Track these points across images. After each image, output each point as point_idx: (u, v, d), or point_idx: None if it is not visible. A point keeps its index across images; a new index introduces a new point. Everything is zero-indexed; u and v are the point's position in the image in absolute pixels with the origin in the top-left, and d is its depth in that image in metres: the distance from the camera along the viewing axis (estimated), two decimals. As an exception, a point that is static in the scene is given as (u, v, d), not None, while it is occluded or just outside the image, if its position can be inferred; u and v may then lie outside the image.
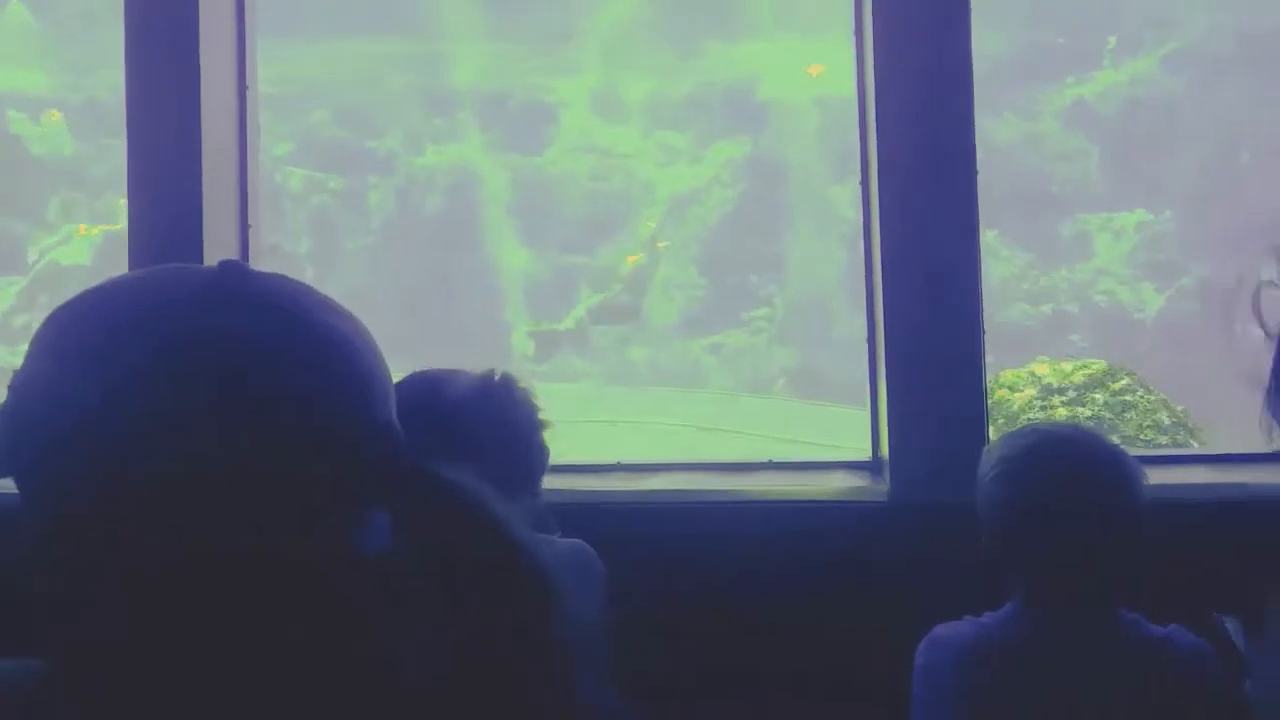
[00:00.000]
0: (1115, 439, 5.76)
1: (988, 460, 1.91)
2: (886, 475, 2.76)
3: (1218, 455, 3.08)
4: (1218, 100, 14.37)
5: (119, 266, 2.37)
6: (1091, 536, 1.76)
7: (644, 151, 15.68)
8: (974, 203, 2.83)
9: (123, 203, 3.06)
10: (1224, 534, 2.63)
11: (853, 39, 3.05)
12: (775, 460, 2.98)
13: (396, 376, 0.71)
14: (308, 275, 14.62)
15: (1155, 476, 2.01)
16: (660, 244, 14.25)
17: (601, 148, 15.76)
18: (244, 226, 3.08)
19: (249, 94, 3.12)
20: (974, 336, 2.77)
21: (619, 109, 15.94)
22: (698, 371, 14.15)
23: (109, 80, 15.44)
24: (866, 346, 2.94)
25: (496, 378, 2.03)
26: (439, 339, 13.56)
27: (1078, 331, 13.57)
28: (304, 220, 14.41)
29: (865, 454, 3.08)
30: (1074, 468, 1.79)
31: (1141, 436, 5.93)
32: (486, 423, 1.90)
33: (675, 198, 15.23)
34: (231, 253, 3.08)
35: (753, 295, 14.65)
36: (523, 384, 2.07)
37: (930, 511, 2.65)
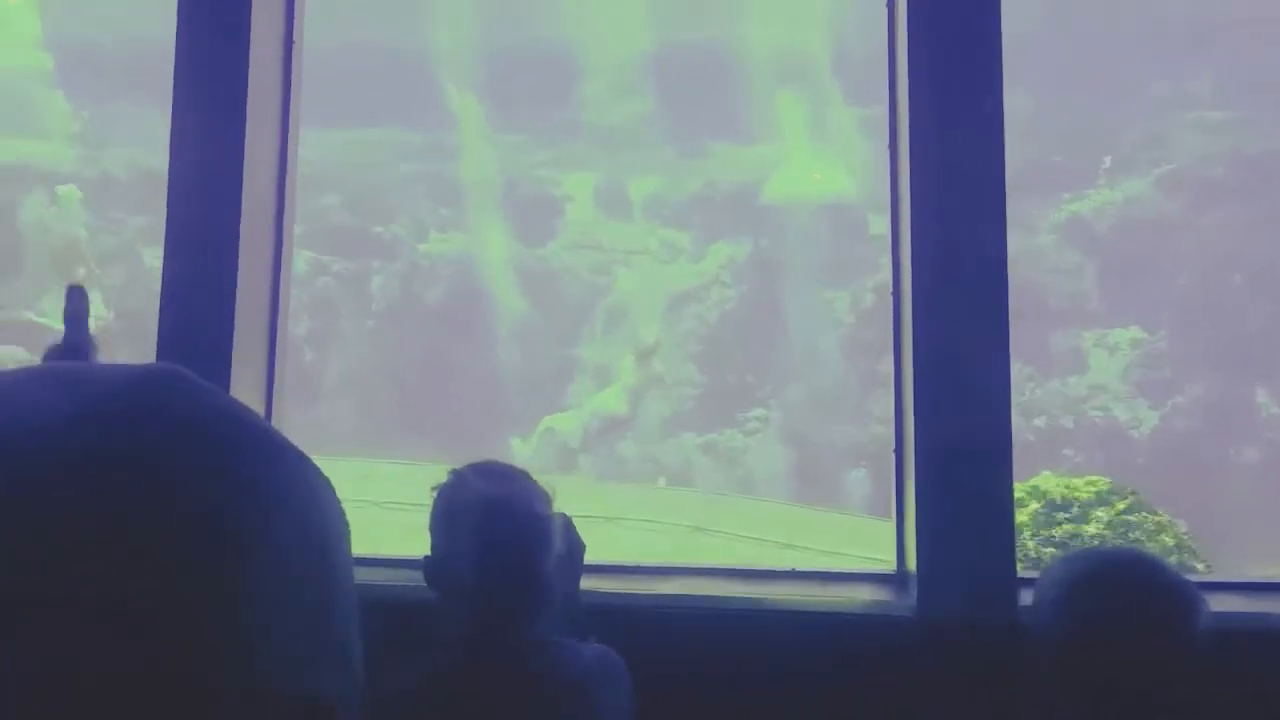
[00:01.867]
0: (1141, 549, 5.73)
1: (1047, 583, 1.88)
2: (913, 589, 2.71)
3: (1243, 583, 3.04)
4: (1210, 222, 14.67)
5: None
6: (1151, 668, 1.73)
7: (647, 248, 15.87)
8: (1005, 316, 2.85)
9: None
10: (1254, 665, 2.59)
11: (888, 153, 3.11)
12: (798, 569, 2.93)
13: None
14: (305, 358, 14.68)
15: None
16: (658, 341, 14.31)
17: (604, 243, 15.95)
18: (274, 313, 3.09)
19: (289, 180, 3.16)
20: (1004, 452, 2.76)
21: (623, 205, 16.19)
22: (689, 470, 14.09)
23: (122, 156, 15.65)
24: (894, 458, 2.92)
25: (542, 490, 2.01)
26: (433, 426, 13.51)
27: (1071, 446, 13.59)
28: (305, 301, 14.47)
29: (883, 566, 3.04)
30: (1139, 596, 1.76)
31: (1146, 556, 5.88)
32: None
33: (676, 295, 15.36)
34: (260, 338, 3.08)
35: (749, 395, 14.67)
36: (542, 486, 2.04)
37: (958, 628, 2.60)
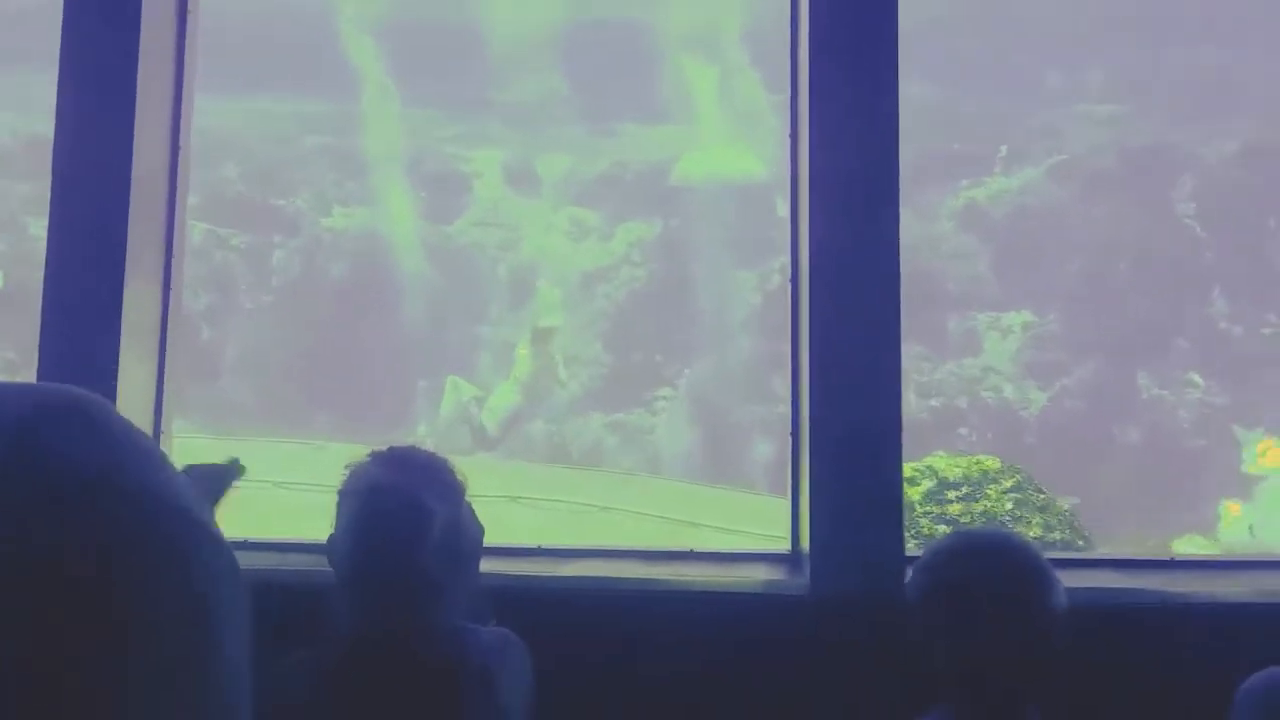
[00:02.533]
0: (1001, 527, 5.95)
1: (917, 565, 1.97)
2: (806, 568, 2.79)
3: (1118, 560, 3.21)
4: (1098, 211, 15.22)
5: None
6: (1011, 642, 1.83)
7: (555, 226, 15.80)
8: (897, 301, 2.94)
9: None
10: (1125, 640, 2.73)
11: (788, 142, 3.17)
12: (695, 550, 2.99)
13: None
14: (203, 334, 14.27)
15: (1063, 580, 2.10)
16: (554, 327, 14.27)
17: (512, 221, 15.82)
18: (166, 287, 3.01)
19: (181, 153, 3.07)
20: (894, 434, 2.85)
21: (532, 182, 16.07)
22: (597, 450, 14.13)
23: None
24: (790, 441, 3.00)
25: (431, 456, 2.03)
26: (336, 405, 13.28)
27: (965, 426, 14.01)
28: (204, 275, 14.05)
29: (779, 544, 3.12)
30: (998, 574, 1.86)
31: (1030, 534, 6.13)
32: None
33: (584, 274, 15.34)
34: (151, 304, 2.99)
35: (656, 375, 14.76)
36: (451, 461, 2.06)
37: (850, 605, 2.69)
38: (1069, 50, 15.98)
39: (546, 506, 9.33)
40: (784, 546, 3.06)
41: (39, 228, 14.10)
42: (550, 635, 2.09)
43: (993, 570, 1.87)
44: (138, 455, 0.55)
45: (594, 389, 14.52)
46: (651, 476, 12.95)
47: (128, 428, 0.55)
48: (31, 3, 12.84)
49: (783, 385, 13.70)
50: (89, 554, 0.49)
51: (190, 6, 3.22)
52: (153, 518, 0.52)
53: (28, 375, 12.82)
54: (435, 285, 15.03)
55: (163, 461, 0.56)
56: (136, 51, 2.89)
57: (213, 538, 0.56)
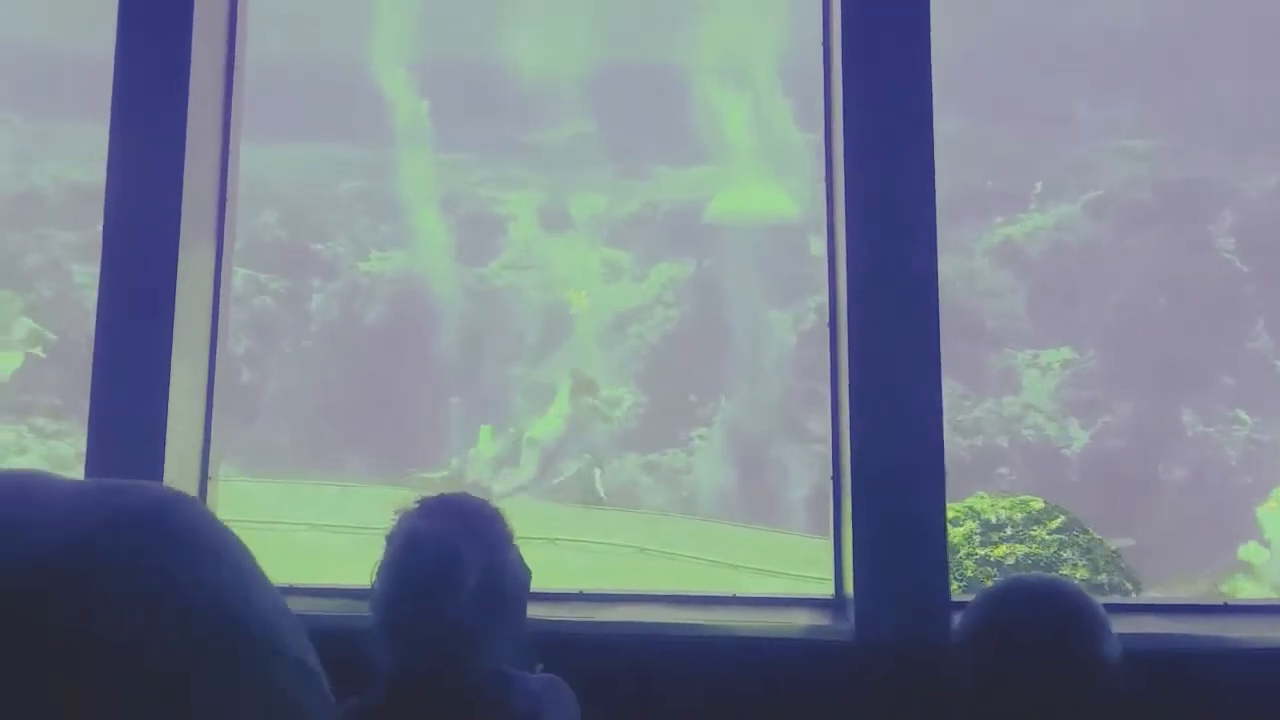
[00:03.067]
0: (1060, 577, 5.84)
1: (966, 613, 1.94)
2: (851, 614, 2.75)
3: (1170, 605, 3.13)
4: (1136, 245, 15.09)
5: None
6: (1064, 690, 1.79)
7: (588, 267, 15.90)
8: (937, 341, 2.92)
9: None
10: (1179, 687, 2.66)
11: (823, 179, 3.17)
12: (738, 595, 2.96)
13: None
14: (243, 377, 14.42)
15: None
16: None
17: (546, 262, 15.94)
18: (214, 334, 3.05)
19: (229, 195, 3.13)
20: (937, 475, 2.81)
21: (565, 224, 16.20)
22: (633, 489, 14.09)
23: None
24: (831, 484, 2.96)
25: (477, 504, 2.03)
26: (371, 446, 13.36)
27: (1006, 465, 13.84)
28: (244, 319, 14.25)
29: (818, 585, 3.08)
30: (1050, 621, 1.83)
31: (1077, 575, 6.02)
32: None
33: (617, 315, 15.39)
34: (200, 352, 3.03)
35: (691, 415, 14.73)
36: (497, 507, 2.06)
37: (894, 652, 2.65)
38: (1102, 85, 15.94)
39: (583, 548, 9.31)
40: (827, 591, 3.02)
41: (83, 275, 14.41)
42: (593, 681, 2.07)
43: (1045, 616, 1.84)
44: (224, 572, 0.53)
45: (628, 429, 14.50)
46: (687, 517, 12.88)
47: (217, 538, 0.54)
48: (73, 54, 13.23)
49: (818, 424, 13.64)
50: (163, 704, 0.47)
51: (237, 61, 3.30)
52: (236, 654, 0.50)
53: (74, 421, 12.99)
54: (470, 327, 15.13)
55: (255, 577, 0.54)
56: (186, 103, 2.95)
57: (322, 691, 0.54)
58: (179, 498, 0.54)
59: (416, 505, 1.97)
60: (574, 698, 1.99)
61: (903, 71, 2.99)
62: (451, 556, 1.87)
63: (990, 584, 2.07)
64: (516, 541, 2.02)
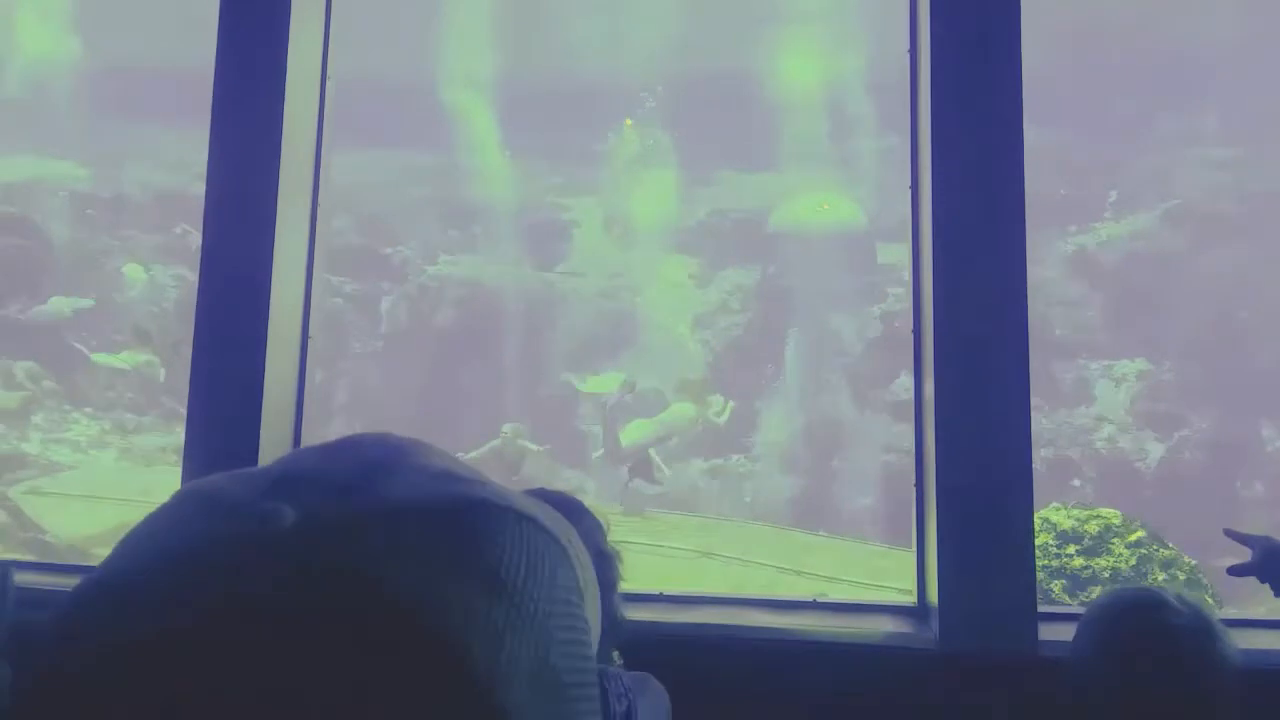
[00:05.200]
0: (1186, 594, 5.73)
1: (1087, 618, 1.92)
2: (934, 623, 2.74)
3: (1239, 620, 3.06)
4: (1215, 257, 14.72)
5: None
6: (1180, 703, 1.76)
7: (654, 273, 15.94)
8: (1025, 350, 2.89)
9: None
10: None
11: (909, 190, 3.16)
12: (821, 599, 2.96)
13: None
14: (316, 377, 14.65)
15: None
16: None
17: (612, 268, 16.02)
18: (305, 336, 3.14)
19: (319, 212, 3.22)
20: (1024, 485, 2.79)
21: (631, 230, 16.27)
22: (695, 495, 14.07)
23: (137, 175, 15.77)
24: (915, 492, 2.95)
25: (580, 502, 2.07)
26: (444, 447, 13.52)
27: (1079, 477, 13.58)
28: (315, 321, 14.54)
29: (886, 593, 3.07)
30: (1171, 634, 1.80)
31: (1156, 590, 5.90)
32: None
33: (683, 320, 15.42)
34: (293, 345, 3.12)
35: (754, 421, 14.69)
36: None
37: (979, 662, 2.63)
38: (1180, 94, 15.59)
39: (648, 551, 9.33)
40: (910, 599, 3.00)
41: (165, 275, 14.76)
42: (672, 683, 2.09)
43: (1171, 628, 1.82)
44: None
45: (692, 434, 14.50)
46: (750, 522, 12.84)
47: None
48: (156, 60, 13.66)
49: (883, 432, 13.51)
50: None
51: (328, 71, 3.39)
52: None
53: (154, 416, 13.34)
54: (536, 332, 15.26)
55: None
56: (282, 112, 3.05)
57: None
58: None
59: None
60: (664, 692, 2.01)
61: (992, 80, 2.97)
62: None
63: (1107, 597, 2.04)
64: (607, 537, 2.04)
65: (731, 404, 13.12)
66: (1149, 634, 1.81)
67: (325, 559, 0.48)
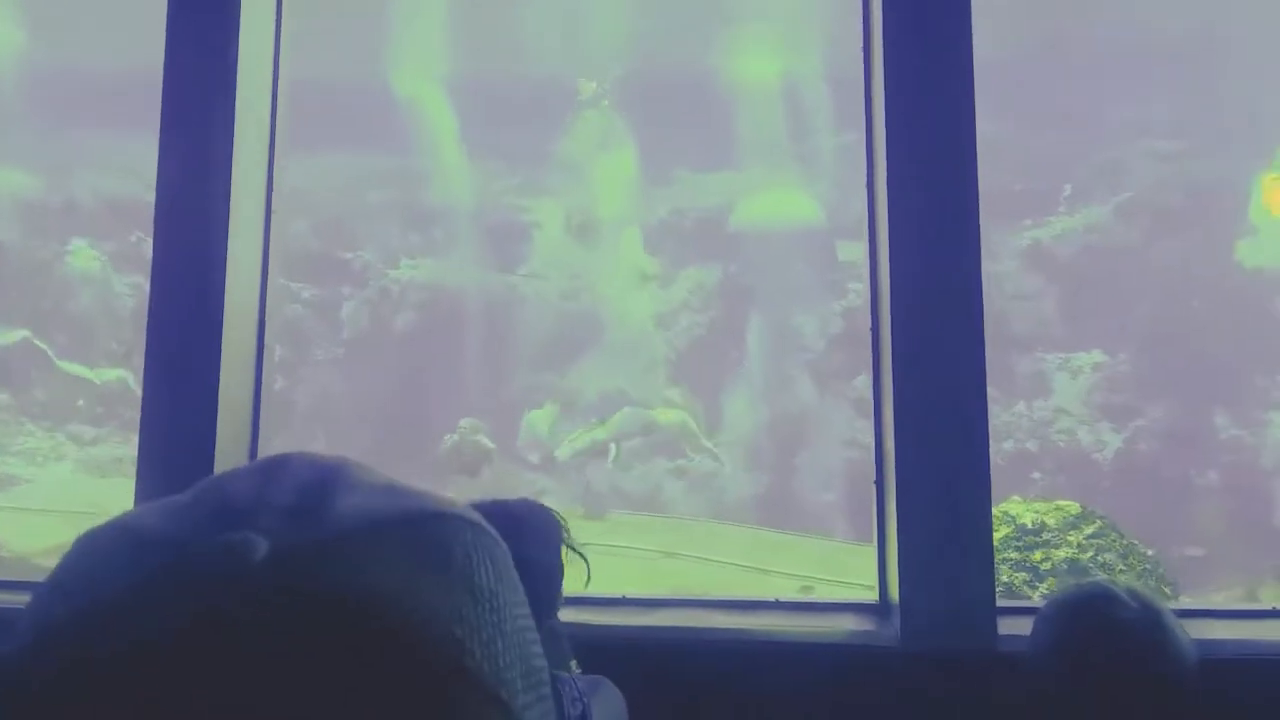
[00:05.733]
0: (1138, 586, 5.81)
1: (1042, 615, 1.95)
2: (896, 619, 2.75)
3: (1196, 610, 3.10)
4: (1167, 248, 14.96)
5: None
6: (1134, 695, 1.79)
7: (615, 274, 15.92)
8: (981, 345, 2.91)
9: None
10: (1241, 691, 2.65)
11: (865, 186, 3.17)
12: (781, 599, 2.97)
13: None
14: (276, 384, 14.50)
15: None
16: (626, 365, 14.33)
17: (573, 269, 15.98)
18: (260, 342, 3.09)
19: (274, 217, 3.17)
20: (982, 484, 2.81)
21: (591, 231, 16.24)
22: (659, 495, 14.08)
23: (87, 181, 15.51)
24: (875, 489, 2.97)
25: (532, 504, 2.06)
26: (405, 454, 13.43)
27: (1038, 470, 13.74)
28: (275, 328, 14.37)
29: (849, 590, 3.09)
30: (1122, 628, 1.83)
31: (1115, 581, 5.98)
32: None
33: (644, 321, 15.41)
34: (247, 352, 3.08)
35: (718, 420, 14.72)
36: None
37: (941, 659, 2.65)
38: (1131, 86, 15.82)
39: (610, 552, 9.32)
40: (868, 596, 3.02)
41: (120, 284, 14.53)
42: (635, 685, 2.08)
43: (1122, 622, 1.84)
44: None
45: (655, 435, 14.50)
46: (716, 522, 12.86)
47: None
48: (103, 69, 13.43)
49: (846, 429, 13.59)
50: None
51: (280, 74, 3.34)
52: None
53: (112, 428, 13.13)
54: (499, 335, 15.20)
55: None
56: (233, 117, 3.00)
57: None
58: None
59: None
60: (619, 695, 2.00)
61: (945, 76, 2.99)
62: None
63: (1059, 594, 2.06)
64: (561, 537, 2.03)
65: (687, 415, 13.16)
66: (1101, 630, 1.83)
67: (305, 588, 0.46)
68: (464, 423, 12.17)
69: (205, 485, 0.53)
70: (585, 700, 1.91)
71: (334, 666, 0.45)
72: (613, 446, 12.57)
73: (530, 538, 1.99)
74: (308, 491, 0.52)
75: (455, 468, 11.64)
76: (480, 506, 2.00)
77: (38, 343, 13.87)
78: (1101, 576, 5.62)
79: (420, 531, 0.51)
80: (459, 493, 2.07)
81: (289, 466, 0.54)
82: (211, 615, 0.45)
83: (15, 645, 0.48)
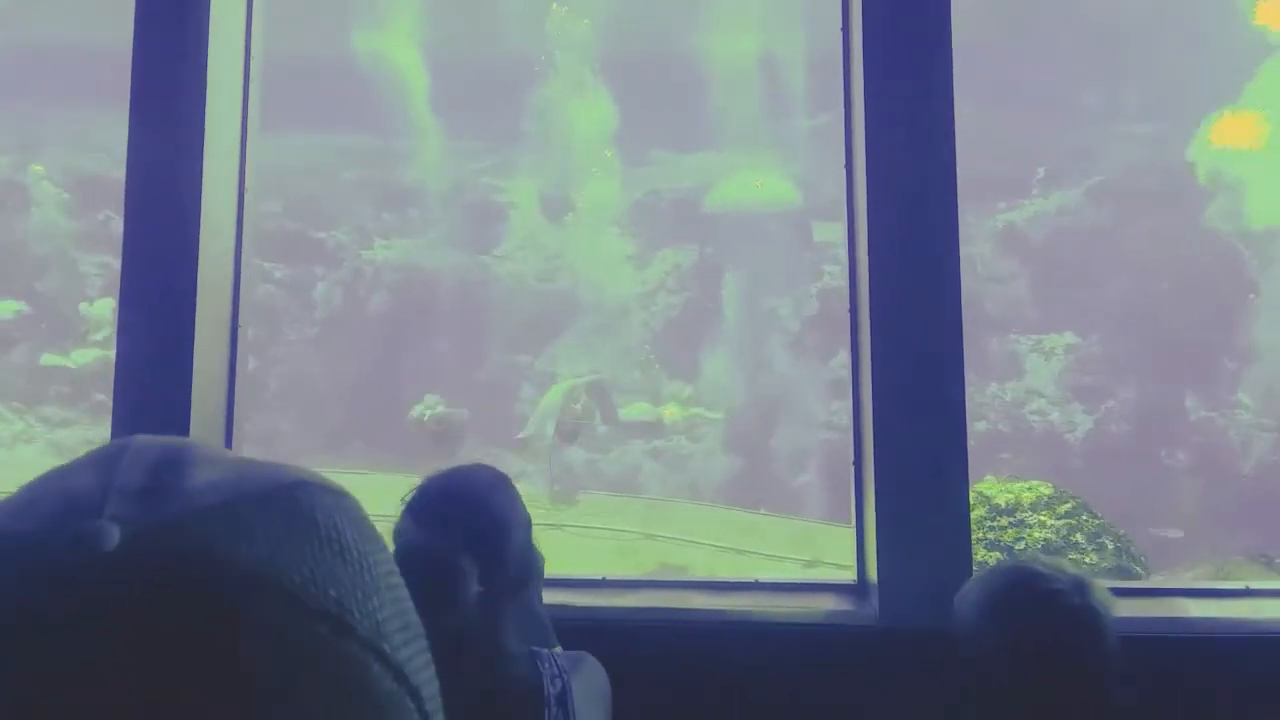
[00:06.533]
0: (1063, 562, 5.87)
1: (970, 593, 1.99)
2: (875, 599, 2.77)
3: (1168, 589, 3.14)
4: (1138, 230, 15.08)
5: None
6: (1066, 677, 1.84)
7: (591, 255, 15.89)
8: (959, 326, 2.93)
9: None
10: (1198, 670, 2.68)
11: (844, 167, 3.17)
12: (761, 580, 2.98)
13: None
14: (249, 366, 14.37)
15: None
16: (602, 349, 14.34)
17: (549, 249, 15.93)
18: (235, 321, 3.06)
19: (246, 196, 3.13)
20: (960, 463, 2.83)
21: (568, 211, 16.19)
22: (636, 476, 14.11)
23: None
24: (853, 470, 2.98)
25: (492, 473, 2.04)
26: (380, 434, 13.37)
27: (1011, 450, 13.87)
28: (248, 309, 14.24)
29: (827, 570, 3.10)
30: (1054, 609, 1.88)
31: (1086, 560, 6.04)
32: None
33: (621, 301, 15.39)
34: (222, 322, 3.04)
35: (695, 400, 14.76)
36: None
37: (920, 637, 2.67)
38: (1103, 69, 15.90)
39: (587, 533, 9.33)
40: (844, 576, 3.03)
41: (87, 264, 14.35)
42: (617, 667, 2.08)
43: (1055, 598, 1.89)
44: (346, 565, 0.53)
45: (632, 416, 14.52)
46: (693, 503, 12.91)
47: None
48: (79, 42, 13.21)
49: (821, 409, 13.64)
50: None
51: (251, 50, 3.29)
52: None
53: (82, 410, 12.98)
54: (474, 315, 15.14)
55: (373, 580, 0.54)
56: (204, 94, 2.96)
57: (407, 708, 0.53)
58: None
59: (415, 496, 1.93)
60: (601, 670, 2.00)
61: (924, 57, 2.99)
62: (448, 573, 1.83)
63: (990, 572, 2.11)
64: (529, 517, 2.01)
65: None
66: (1038, 604, 1.89)
67: (166, 566, 0.46)
68: (428, 398, 12.12)
69: (44, 479, 0.52)
70: (566, 677, 1.91)
71: (207, 642, 0.44)
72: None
73: (479, 534, 1.94)
74: (156, 472, 0.50)
75: (423, 441, 11.60)
76: (424, 498, 1.97)
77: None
78: (1023, 557, 5.70)
79: (279, 502, 0.51)
80: (429, 466, 2.04)
81: (131, 450, 0.52)
82: (68, 608, 0.44)
83: None
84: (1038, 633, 1.87)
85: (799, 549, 8.12)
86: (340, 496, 0.55)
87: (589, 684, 1.96)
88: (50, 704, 0.43)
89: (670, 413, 13.22)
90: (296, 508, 0.51)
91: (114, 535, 0.46)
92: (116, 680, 0.43)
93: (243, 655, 0.45)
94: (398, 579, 0.55)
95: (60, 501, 0.49)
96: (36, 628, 0.44)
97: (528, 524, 2.01)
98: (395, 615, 0.52)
